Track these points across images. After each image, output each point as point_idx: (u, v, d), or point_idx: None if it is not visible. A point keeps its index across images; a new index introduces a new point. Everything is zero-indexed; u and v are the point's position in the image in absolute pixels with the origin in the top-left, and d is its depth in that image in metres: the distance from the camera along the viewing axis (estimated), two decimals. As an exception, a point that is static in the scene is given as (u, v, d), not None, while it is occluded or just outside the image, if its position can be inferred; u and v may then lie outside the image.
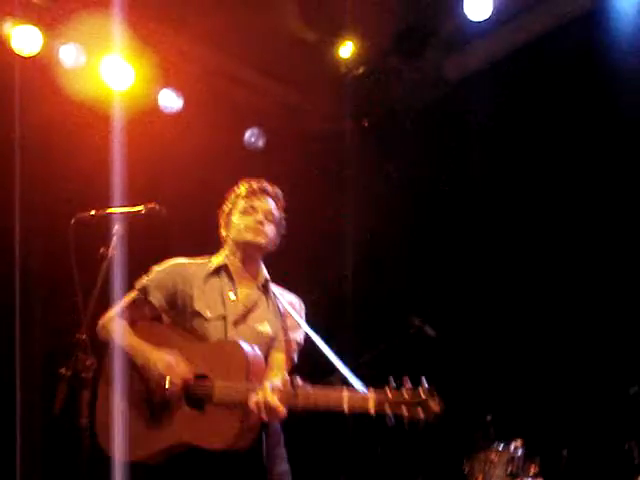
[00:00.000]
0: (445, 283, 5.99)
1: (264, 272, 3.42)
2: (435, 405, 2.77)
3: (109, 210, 3.21)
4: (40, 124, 5.24)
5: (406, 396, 2.78)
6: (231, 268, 3.36)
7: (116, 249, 3.13)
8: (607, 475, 4.77)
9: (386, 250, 6.19)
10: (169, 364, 3.13)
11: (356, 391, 2.88)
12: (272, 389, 2.96)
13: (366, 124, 6.55)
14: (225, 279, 3.35)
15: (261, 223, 3.33)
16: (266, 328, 3.29)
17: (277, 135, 6.45)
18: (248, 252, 3.36)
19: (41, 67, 5.34)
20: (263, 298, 3.37)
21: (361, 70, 6.11)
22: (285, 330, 3.31)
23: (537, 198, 5.68)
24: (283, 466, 3.29)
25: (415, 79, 6.05)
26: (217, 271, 3.36)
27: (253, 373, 3.05)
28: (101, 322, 3.32)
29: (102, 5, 4.84)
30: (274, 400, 2.93)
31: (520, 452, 4.61)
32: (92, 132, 5.04)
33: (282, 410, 2.94)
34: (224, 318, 3.25)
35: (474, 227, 5.95)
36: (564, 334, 5.34)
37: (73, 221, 3.10)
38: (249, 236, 3.32)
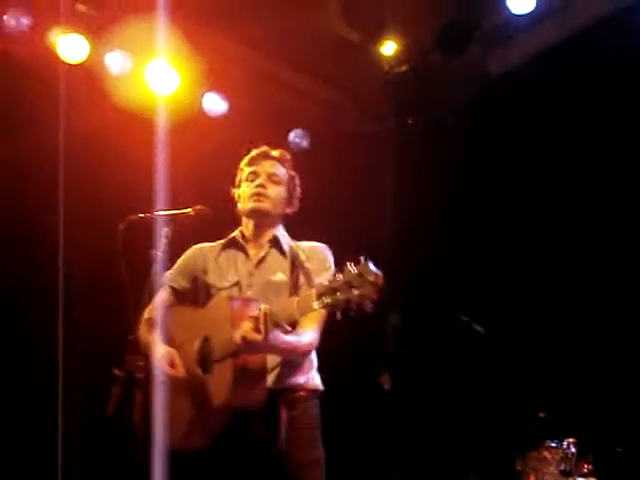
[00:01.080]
0: (497, 280, 5.94)
1: (274, 232, 3.36)
2: (370, 276, 2.53)
3: (158, 212, 3.23)
4: (86, 131, 5.29)
5: (339, 279, 2.59)
6: (240, 238, 3.37)
7: (165, 251, 3.17)
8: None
9: (432, 251, 6.15)
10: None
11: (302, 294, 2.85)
12: (248, 321, 2.89)
13: (411, 122, 6.52)
14: (237, 249, 3.36)
15: (263, 186, 3.31)
16: (280, 277, 3.25)
17: (321, 136, 6.45)
18: (258, 220, 3.35)
19: (87, 74, 5.41)
20: (273, 251, 3.32)
21: (404, 68, 6.09)
22: (306, 275, 3.15)
23: (582, 191, 5.60)
24: (311, 453, 3.17)
25: (458, 75, 6.01)
26: (229, 244, 3.38)
27: (239, 319, 2.96)
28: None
29: (146, 12, 4.89)
30: (249, 332, 2.85)
31: (573, 450, 4.56)
32: (138, 137, 5.09)
33: (257, 338, 2.84)
34: (238, 284, 3.26)
35: (519, 222, 5.89)
36: (618, 332, 5.27)
37: (123, 224, 3.12)
38: (251, 204, 3.31)
